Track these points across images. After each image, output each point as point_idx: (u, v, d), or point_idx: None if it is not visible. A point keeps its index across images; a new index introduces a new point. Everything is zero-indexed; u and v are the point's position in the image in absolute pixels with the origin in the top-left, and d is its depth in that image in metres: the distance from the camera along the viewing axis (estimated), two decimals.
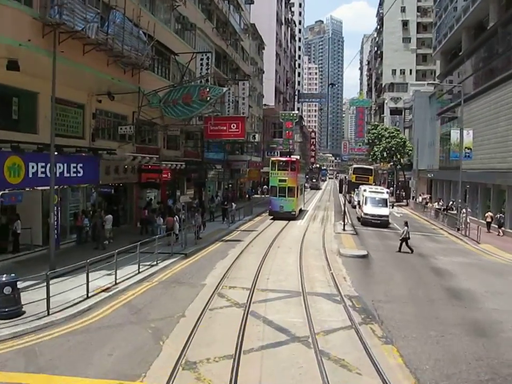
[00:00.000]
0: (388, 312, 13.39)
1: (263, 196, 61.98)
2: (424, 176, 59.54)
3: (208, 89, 23.36)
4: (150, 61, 24.24)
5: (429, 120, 63.29)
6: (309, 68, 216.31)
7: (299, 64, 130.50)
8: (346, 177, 53.88)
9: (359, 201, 36.34)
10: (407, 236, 23.73)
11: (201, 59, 28.66)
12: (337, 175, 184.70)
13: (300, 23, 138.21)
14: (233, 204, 33.85)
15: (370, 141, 60.59)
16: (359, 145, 79.52)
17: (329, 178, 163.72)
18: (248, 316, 12.57)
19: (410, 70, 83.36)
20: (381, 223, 33.44)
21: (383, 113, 78.10)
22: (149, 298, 14.15)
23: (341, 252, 22.44)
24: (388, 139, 55.16)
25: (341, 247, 24.38)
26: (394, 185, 65.96)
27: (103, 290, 14.51)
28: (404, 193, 58.79)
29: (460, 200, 33.81)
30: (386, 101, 76.14)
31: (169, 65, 30.30)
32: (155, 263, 18.59)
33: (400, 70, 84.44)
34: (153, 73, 27.28)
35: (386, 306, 14.02)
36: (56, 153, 18.77)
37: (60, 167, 20.10)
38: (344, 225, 30.54)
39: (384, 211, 33.73)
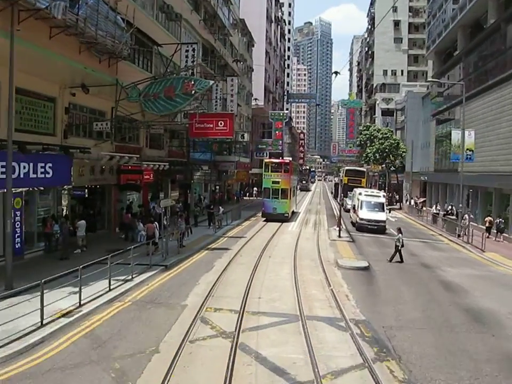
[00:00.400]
0: (404, 343, 11.15)
1: (251, 198, 59.68)
2: (417, 178, 57.72)
3: (193, 82, 20.97)
4: (128, 50, 21.79)
5: (422, 122, 61.59)
6: (298, 69, 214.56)
7: (288, 65, 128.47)
8: (342, 180, 51.96)
9: (354, 206, 34.18)
10: (401, 244, 21.69)
11: (187, 50, 26.26)
12: (325, 177, 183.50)
13: (289, 23, 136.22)
14: (220, 207, 31.52)
15: (362, 142, 58.65)
16: (350, 147, 77.65)
17: (317, 180, 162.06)
18: (237, 350, 10.23)
19: (402, 71, 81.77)
20: (378, 228, 31.34)
21: (374, 114, 76.31)
22: (117, 326, 11.74)
23: (339, 263, 20.20)
24: (380, 140, 53.23)
25: (338, 256, 22.18)
26: (386, 188, 64.07)
27: (63, 315, 12.08)
28: (397, 196, 56.92)
29: (460, 205, 31.84)
30: (377, 102, 74.35)
31: (152, 57, 27.89)
32: (130, 277, 16.18)
33: (392, 70, 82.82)
34: (133, 64, 24.87)
35: (401, 334, 11.79)
36: (17, 151, 16.38)
37: (24, 167, 17.71)
38: (339, 231, 28.33)
39: (381, 216, 31.63)
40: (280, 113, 64.84)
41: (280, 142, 62.35)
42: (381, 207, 32.38)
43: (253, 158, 62.76)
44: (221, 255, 21.68)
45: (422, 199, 43.06)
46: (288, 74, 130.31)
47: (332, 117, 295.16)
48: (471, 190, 31.79)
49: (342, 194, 50.82)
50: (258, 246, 24.47)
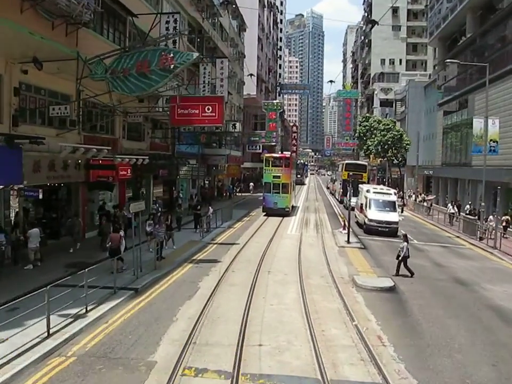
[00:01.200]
0: None
1: (244, 194, 55.34)
2: (419, 173, 53.74)
3: (172, 55, 16.48)
4: (91, 14, 17.30)
5: (424, 112, 57.64)
6: (290, 61, 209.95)
7: (280, 56, 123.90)
8: (341, 175, 47.80)
9: (361, 205, 29.93)
10: (407, 254, 17.59)
11: (167, 22, 21.74)
12: (318, 171, 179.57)
13: (281, 13, 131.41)
14: (210, 207, 27.16)
15: (362, 134, 54.52)
16: (346, 140, 73.53)
17: (310, 174, 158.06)
18: None
19: (400, 60, 77.69)
20: (390, 231, 27.21)
21: (371, 106, 72.21)
22: None
23: (358, 282, 15.96)
24: (382, 132, 49.09)
25: (353, 270, 18.01)
26: (386, 183, 60.06)
27: None
28: (400, 192, 52.90)
29: (482, 204, 27.76)
30: (376, 92, 70.21)
31: (125, 30, 23.39)
32: (84, 310, 11.87)
33: (390, 59, 78.73)
34: (100, 35, 20.37)
35: None
36: None
37: None
38: (348, 236, 24.09)
39: (392, 217, 27.48)
40: (274, 103, 60.42)
41: (274, 134, 58.03)
42: (392, 206, 28.22)
43: (245, 151, 58.48)
44: (208, 270, 17.38)
45: (431, 196, 38.95)
46: (280, 65, 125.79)
47: (323, 110, 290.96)
48: (499, 187, 27.63)
49: (342, 191, 46.97)
50: (253, 256, 20.23)
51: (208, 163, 44.93)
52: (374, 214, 27.46)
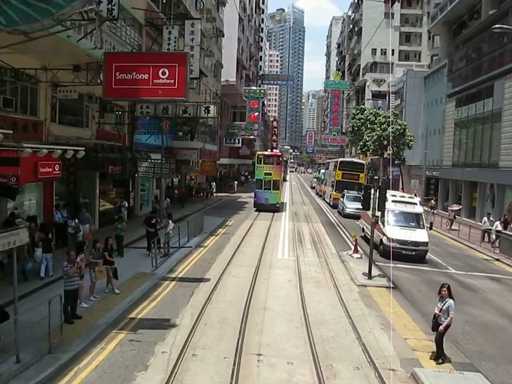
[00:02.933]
0: None
1: (221, 194, 47.42)
2: (418, 173, 46.72)
3: None
4: None
5: (425, 105, 50.66)
6: (270, 55, 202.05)
7: (261, 48, 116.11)
8: (334, 175, 40.35)
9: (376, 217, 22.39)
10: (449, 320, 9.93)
11: None
12: (297, 168, 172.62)
13: (263, 2, 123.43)
14: (170, 221, 19.20)
15: (356, 129, 47.20)
16: (334, 135, 66.28)
17: (289, 171, 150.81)
18: None
19: (393, 50, 70.51)
20: (417, 255, 19.75)
21: (361, 99, 65.03)
22: None
23: None
24: (383, 125, 41.79)
25: (398, 341, 10.52)
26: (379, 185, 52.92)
27: None
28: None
29: None
30: (367, 83, 63.01)
31: None
32: None
33: (381, 49, 71.63)
34: None
35: None
36: None
37: None
38: (369, 268, 16.36)
39: (420, 235, 19.94)
40: (256, 90, 52.48)
41: (256, 126, 50.18)
42: (418, 220, 20.71)
43: (222, 145, 50.64)
44: (150, 350, 9.53)
45: (456, 206, 31.35)
46: (261, 57, 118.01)
47: (302, 107, 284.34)
48: None
49: (334, 193, 39.49)
50: (231, 309, 12.43)
51: (177, 158, 37.06)
52: (395, 231, 19.83)
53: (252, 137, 53.28)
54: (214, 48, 42.38)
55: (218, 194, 48.70)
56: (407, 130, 41.98)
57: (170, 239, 18.71)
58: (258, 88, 57.74)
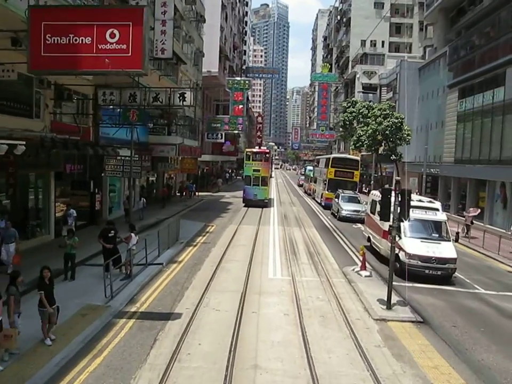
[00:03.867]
0: None
1: (204, 194, 43.47)
2: (414, 171, 43.42)
3: None
4: None
5: (419, 98, 47.48)
6: (255, 50, 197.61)
7: (245, 42, 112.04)
8: (326, 173, 36.71)
9: (389, 227, 18.55)
10: None
11: None
12: (282, 165, 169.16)
13: None
14: (133, 234, 15.21)
15: (348, 123, 43.63)
16: (322, 130, 62.67)
17: (274, 168, 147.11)
18: None
19: (383, 42, 67.31)
20: (443, 275, 15.93)
21: (350, 92, 61.43)
22: None
23: None
24: (378, 119, 38.23)
25: None
26: (372, 182, 49.57)
27: None
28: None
29: None
30: (358, 76, 59.43)
31: None
32: None
33: (371, 41, 68.04)
34: None
35: None
36: None
37: None
38: (389, 296, 12.62)
39: (447, 250, 16.07)
40: (240, 81, 48.43)
41: (240, 119, 46.19)
42: (442, 231, 16.95)
43: (204, 141, 46.68)
44: None
45: (473, 211, 26.81)
46: (245, 51, 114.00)
47: (287, 103, 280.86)
48: None
49: (326, 193, 35.87)
50: (206, 367, 8.65)
51: (153, 155, 33.11)
52: (415, 245, 16.00)
53: (236, 131, 49.25)
54: (194, 34, 38.33)
55: (200, 193, 44.79)
56: (404, 124, 38.50)
57: (134, 257, 14.75)
58: (243, 78, 53.74)
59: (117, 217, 24.86)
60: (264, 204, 35.28)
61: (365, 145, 39.59)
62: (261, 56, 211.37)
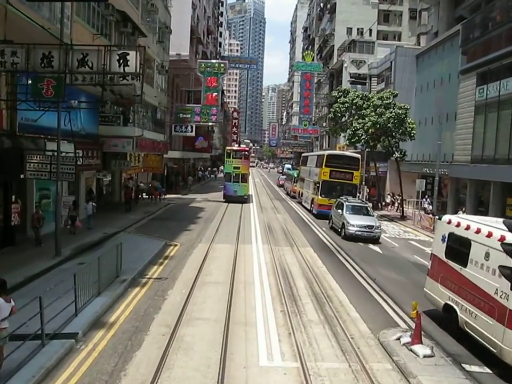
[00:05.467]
0: None
1: (169, 197, 36.39)
2: (414, 171, 37.44)
3: None
4: None
5: (417, 90, 41.68)
6: (230, 44, 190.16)
7: (220, 33, 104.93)
8: (318, 174, 30.03)
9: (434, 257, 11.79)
10: None
11: None
12: (258, 163, 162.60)
13: None
14: (1, 299, 8.12)
15: (338, 114, 37.19)
16: (305, 125, 56.20)
17: (250, 165, 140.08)
18: None
19: (370, 30, 61.02)
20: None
21: (338, 83, 55.01)
22: None
23: None
24: (379, 109, 31.83)
25: None
26: (363, 184, 43.23)
27: None
28: (396, 197, 36.02)
29: None
30: (345, 65, 53.12)
31: None
32: None
33: (358, 29, 62.08)
34: None
35: None
36: None
37: None
38: None
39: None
40: (214, 64, 41.27)
41: (214, 109, 39.03)
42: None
43: (171, 134, 39.54)
44: None
45: None
46: (220, 43, 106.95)
47: (262, 100, 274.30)
48: None
49: (319, 199, 29.30)
50: None
51: (105, 150, 26.14)
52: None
53: (209, 124, 42.22)
54: (158, 3, 31.14)
55: (168, 196, 37.79)
56: (408, 117, 32.27)
57: (6, 342, 7.74)
58: (217, 61, 46.53)
59: (49, 233, 17.88)
60: (244, 199, 36.10)
61: (362, 141, 33.13)
62: (237, 50, 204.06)
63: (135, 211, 28.63)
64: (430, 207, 31.56)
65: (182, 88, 43.96)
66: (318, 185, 29.83)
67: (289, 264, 16.88)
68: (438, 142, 28.51)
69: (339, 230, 23.33)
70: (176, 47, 39.88)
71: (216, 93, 38.98)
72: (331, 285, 14.47)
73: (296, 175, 45.38)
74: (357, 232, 21.61)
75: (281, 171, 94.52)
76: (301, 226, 26.22)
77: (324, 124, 64.78)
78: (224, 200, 36.01)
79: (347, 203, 23.32)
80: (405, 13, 61.75)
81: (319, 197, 29.18)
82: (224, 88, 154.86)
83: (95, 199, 24.89)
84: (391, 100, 32.21)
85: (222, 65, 40.39)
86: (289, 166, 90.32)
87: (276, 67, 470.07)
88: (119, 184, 32.12)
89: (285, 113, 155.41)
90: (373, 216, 23.11)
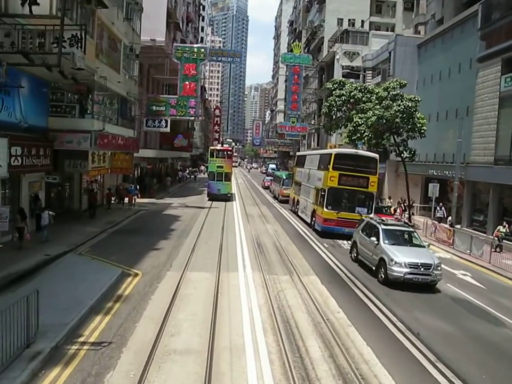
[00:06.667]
0: None
1: (142, 202, 31.15)
2: (415, 172, 32.91)
3: None
4: None
5: (419, 83, 37.30)
6: (212, 41, 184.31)
7: (202, 27, 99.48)
8: (322, 179, 24.30)
9: None
10: None
11: None
12: (241, 162, 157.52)
13: None
14: None
15: (334, 109, 32.41)
16: (293, 122, 51.34)
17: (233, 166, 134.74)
18: None
19: (362, 22, 56.50)
20: None
21: (329, 77, 50.23)
22: None
23: None
24: (385, 101, 27.11)
25: None
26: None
27: None
28: (405, 204, 31.06)
29: None
30: (337, 57, 48.38)
31: None
32: None
33: (349, 20, 57.53)
34: None
35: None
36: None
37: None
38: None
39: None
40: (193, 48, 35.69)
41: (192, 101, 33.63)
42: None
43: (141, 129, 34.11)
44: None
45: None
46: (202, 38, 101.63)
47: (245, 99, 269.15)
48: None
49: (323, 210, 23.96)
50: None
51: (56, 147, 21.01)
52: None
53: (187, 118, 36.85)
54: None
55: (141, 201, 32.62)
56: (417, 110, 27.58)
57: None
58: (197, 45, 41.10)
59: None
60: (227, 197, 36.63)
61: (365, 138, 28.30)
62: (219, 47, 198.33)
63: (95, 221, 23.42)
64: (444, 215, 26.93)
65: (155, 76, 38.44)
66: (322, 193, 23.03)
67: (292, 308, 11.88)
68: (458, 140, 23.85)
69: (372, 267, 15.80)
70: (150, 32, 34.56)
71: (195, 82, 33.60)
72: (361, 349, 9.51)
73: (284, 177, 40.46)
74: (407, 275, 14.13)
75: (264, 171, 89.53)
76: (297, 242, 21.22)
77: (313, 122, 60.02)
78: (208, 198, 36.53)
79: (383, 226, 16.03)
80: (399, 3, 57.41)
81: (324, 209, 22.47)
82: (206, 86, 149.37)
83: (41, 206, 19.65)
84: (398, 91, 27.48)
85: (201, 50, 34.91)
86: (274, 166, 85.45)
87: (258, 67, 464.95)
88: (79, 188, 26.79)
89: (268, 112, 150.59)
90: (425, 246, 16.04)
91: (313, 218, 24.68)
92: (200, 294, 12.52)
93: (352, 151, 24.70)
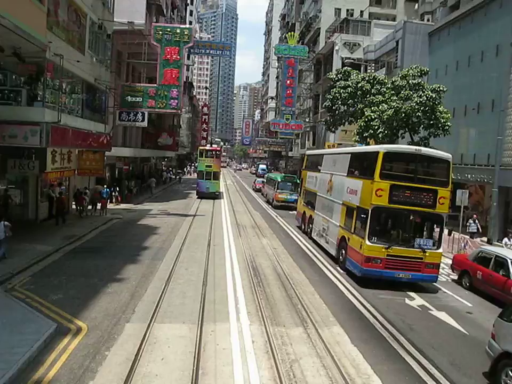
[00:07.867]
0: None
1: (117, 208, 26.31)
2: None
3: None
4: None
5: (433, 74, 32.75)
6: (201, 38, 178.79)
7: (190, 22, 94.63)
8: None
9: None
10: None
11: None
12: (229, 162, 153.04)
13: None
14: None
15: (339, 102, 27.91)
16: (287, 119, 46.67)
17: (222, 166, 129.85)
18: None
19: (361, 12, 52.17)
20: None
21: (326, 71, 45.58)
22: None
23: None
24: (403, 93, 22.66)
25: None
26: None
27: None
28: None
29: None
30: (336, 48, 43.86)
31: None
32: None
33: (347, 10, 53.10)
34: None
35: None
36: None
37: None
38: None
39: None
40: (175, 29, 30.40)
41: (175, 91, 28.67)
42: None
43: (115, 123, 29.16)
44: None
45: None
46: (191, 22, 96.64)
47: (234, 98, 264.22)
48: None
49: (368, 241, 15.72)
50: None
51: None
52: None
53: (168, 111, 31.78)
54: None
55: (115, 207, 27.83)
56: (441, 103, 23.11)
57: None
58: (180, 26, 35.93)
59: None
60: (216, 196, 37.95)
61: (379, 135, 23.73)
62: (209, 45, 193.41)
63: (52, 235, 18.64)
64: (479, 230, 22.42)
65: (129, 60, 33.26)
66: (362, 216, 14.67)
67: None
68: (498, 137, 19.43)
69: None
70: (128, 13, 29.75)
71: (177, 69, 28.68)
72: None
73: (280, 179, 35.79)
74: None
75: (254, 172, 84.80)
76: (303, 264, 16.60)
77: (307, 119, 55.50)
78: (197, 196, 37.99)
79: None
80: None
81: (367, 243, 14.16)
82: (194, 83, 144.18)
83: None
84: (420, 80, 23.00)
85: (185, 31, 29.97)
86: (264, 166, 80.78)
87: (247, 67, 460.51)
88: (35, 194, 21.89)
89: (257, 110, 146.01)
90: None
91: (343, 252, 16.39)
92: (170, 374, 7.83)
93: (411, 148, 15.86)
